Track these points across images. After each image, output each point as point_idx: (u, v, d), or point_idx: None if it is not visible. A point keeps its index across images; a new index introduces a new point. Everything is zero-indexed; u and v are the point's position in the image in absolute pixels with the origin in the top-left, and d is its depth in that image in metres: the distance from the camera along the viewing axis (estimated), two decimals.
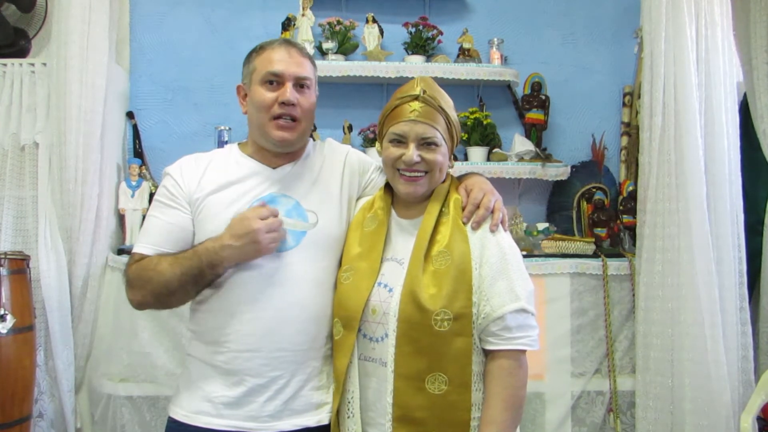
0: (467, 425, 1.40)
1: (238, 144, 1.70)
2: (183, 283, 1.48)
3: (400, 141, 1.48)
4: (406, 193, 1.51)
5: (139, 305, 1.57)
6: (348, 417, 1.47)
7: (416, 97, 1.47)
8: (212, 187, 1.58)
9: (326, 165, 1.68)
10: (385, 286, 1.47)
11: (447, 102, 1.51)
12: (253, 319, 1.51)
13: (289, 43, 1.62)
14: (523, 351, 1.42)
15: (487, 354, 1.43)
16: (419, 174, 1.48)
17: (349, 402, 1.47)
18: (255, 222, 1.44)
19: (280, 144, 1.59)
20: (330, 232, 1.59)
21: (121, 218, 2.85)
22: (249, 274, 1.52)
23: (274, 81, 1.56)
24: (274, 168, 1.63)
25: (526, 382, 1.44)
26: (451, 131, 1.51)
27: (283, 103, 1.55)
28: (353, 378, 1.46)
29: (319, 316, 1.55)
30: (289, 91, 1.55)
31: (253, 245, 1.45)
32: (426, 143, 1.47)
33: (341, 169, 1.69)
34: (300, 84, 1.58)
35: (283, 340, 1.51)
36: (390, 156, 1.50)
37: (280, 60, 1.57)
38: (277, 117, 1.56)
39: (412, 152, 1.46)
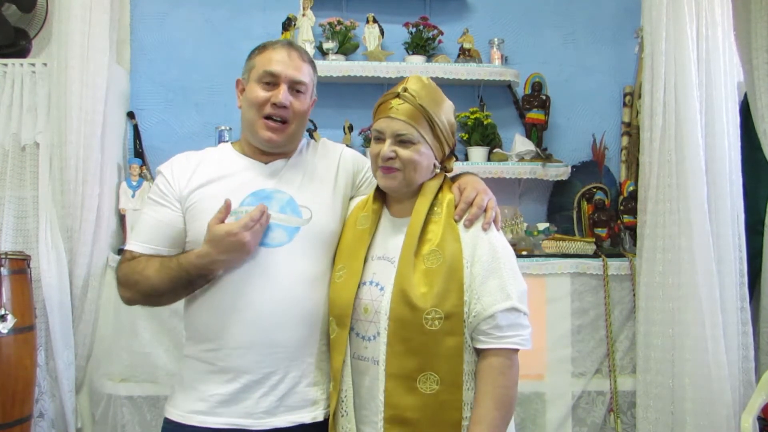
0: (459, 425, 1.39)
1: (231, 143, 1.72)
2: (173, 289, 1.52)
3: (380, 138, 1.50)
4: (383, 186, 1.53)
5: (129, 302, 1.60)
6: (342, 416, 1.47)
7: (397, 95, 1.48)
8: (203, 180, 1.59)
9: (320, 162, 1.69)
10: (377, 284, 1.47)
11: (432, 101, 1.49)
12: (246, 316, 1.51)
13: (292, 46, 1.63)
14: (515, 350, 1.42)
15: (479, 353, 1.43)
16: (394, 169, 1.49)
17: (343, 401, 1.47)
18: (243, 236, 1.45)
19: (267, 144, 1.60)
20: (324, 227, 1.59)
21: (121, 218, 2.86)
22: (240, 271, 1.52)
23: (270, 81, 1.58)
24: (266, 164, 1.63)
25: (517, 381, 1.43)
26: (436, 131, 1.50)
27: (275, 105, 1.56)
28: (346, 377, 1.46)
29: (312, 312, 1.55)
30: (282, 93, 1.56)
31: (243, 253, 1.48)
32: (401, 140, 1.47)
33: (336, 166, 1.70)
34: (296, 88, 1.59)
35: (276, 335, 1.51)
36: (372, 152, 1.52)
37: (278, 61, 1.58)
38: (268, 117, 1.57)
39: (386, 147, 1.47)
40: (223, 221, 1.47)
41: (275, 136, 1.58)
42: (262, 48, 1.63)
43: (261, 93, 1.57)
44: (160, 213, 1.58)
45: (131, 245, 1.58)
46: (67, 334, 2.62)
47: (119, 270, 1.57)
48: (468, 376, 1.41)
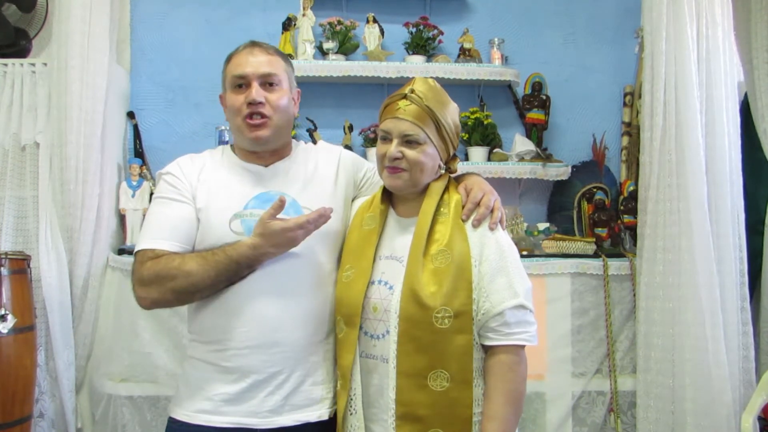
0: (469, 421, 1.42)
1: (231, 146, 1.73)
2: (216, 283, 1.50)
3: (387, 138, 1.53)
4: (389, 185, 1.56)
5: (153, 303, 1.54)
6: (351, 414, 1.49)
7: (404, 96, 1.52)
8: (210, 185, 1.60)
9: (320, 163, 1.71)
10: (386, 283, 1.49)
11: (438, 103, 1.53)
12: (252, 316, 1.52)
13: (254, 44, 1.65)
14: (522, 346, 1.45)
15: (487, 350, 1.46)
16: (400, 169, 1.51)
17: (351, 399, 1.49)
18: (297, 234, 1.48)
19: (256, 142, 1.62)
20: (328, 228, 1.59)
21: (121, 218, 2.86)
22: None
23: (242, 84, 1.60)
24: (266, 166, 1.65)
25: (526, 377, 1.47)
26: (441, 132, 1.53)
27: (251, 103, 1.58)
28: (355, 375, 1.48)
29: (318, 312, 1.56)
30: (254, 91, 1.58)
31: (291, 247, 1.51)
32: (408, 141, 1.50)
33: (335, 167, 1.72)
34: (268, 82, 1.61)
35: (282, 335, 1.52)
36: (378, 153, 1.55)
37: (242, 62, 1.61)
38: (248, 117, 1.59)
39: (393, 148, 1.50)
40: (274, 216, 1.48)
41: (261, 132, 1.60)
42: (229, 57, 1.66)
43: (236, 98, 1.60)
44: (175, 209, 1.57)
45: (151, 243, 1.53)
46: (67, 334, 2.62)
47: (144, 269, 1.50)
48: (477, 372, 1.45)
